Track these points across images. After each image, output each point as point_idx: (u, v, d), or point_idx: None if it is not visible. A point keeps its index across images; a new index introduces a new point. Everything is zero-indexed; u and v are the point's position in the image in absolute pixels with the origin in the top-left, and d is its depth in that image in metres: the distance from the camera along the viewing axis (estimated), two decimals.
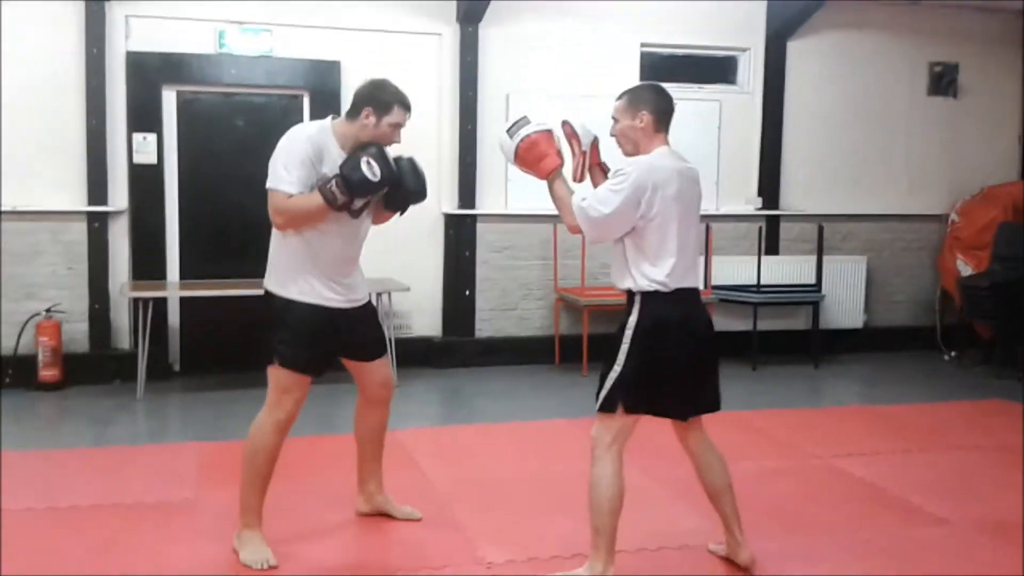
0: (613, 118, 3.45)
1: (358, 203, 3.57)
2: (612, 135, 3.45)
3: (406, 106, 3.61)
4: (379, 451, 4.06)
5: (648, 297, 3.29)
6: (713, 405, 3.51)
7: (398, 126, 3.59)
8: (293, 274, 3.58)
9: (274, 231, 3.63)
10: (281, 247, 3.62)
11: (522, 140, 3.40)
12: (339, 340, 3.70)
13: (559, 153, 3.45)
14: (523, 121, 3.44)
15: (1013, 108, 8.73)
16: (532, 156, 3.42)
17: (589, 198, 3.30)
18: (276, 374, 3.61)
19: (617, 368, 3.30)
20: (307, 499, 4.33)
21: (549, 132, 3.44)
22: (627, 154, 3.41)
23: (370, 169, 3.42)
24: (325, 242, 3.57)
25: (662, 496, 4.45)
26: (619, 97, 3.45)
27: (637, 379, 3.28)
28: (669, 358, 3.29)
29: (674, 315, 3.30)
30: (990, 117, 8.66)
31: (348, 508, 4.17)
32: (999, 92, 8.67)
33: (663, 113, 3.39)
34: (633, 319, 3.31)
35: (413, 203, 3.75)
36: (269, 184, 3.49)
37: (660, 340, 3.27)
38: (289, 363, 3.58)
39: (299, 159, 3.47)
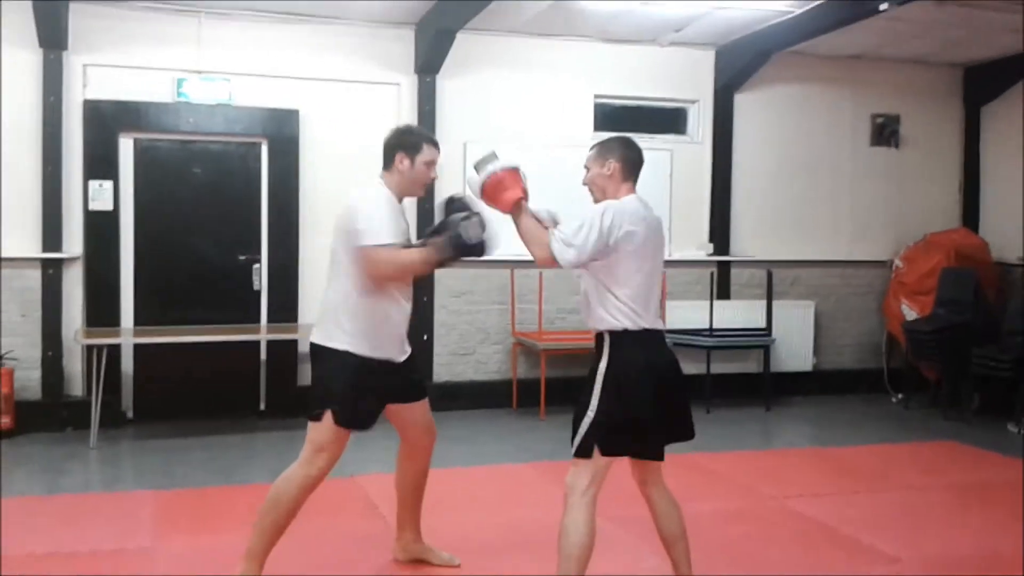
0: (585, 167, 3.60)
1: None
2: (584, 183, 3.60)
3: (434, 143, 3.82)
4: (419, 500, 4.11)
5: (617, 338, 3.37)
6: (687, 434, 3.57)
7: (432, 163, 3.76)
8: (362, 332, 3.63)
9: (340, 289, 3.67)
10: (348, 305, 3.65)
11: (488, 176, 3.52)
12: (389, 389, 3.77)
13: (524, 189, 3.56)
14: (491, 157, 3.56)
15: (953, 158, 9.04)
16: (496, 192, 3.54)
17: (560, 231, 3.40)
18: (317, 429, 3.62)
19: (591, 413, 3.34)
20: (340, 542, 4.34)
21: (515, 169, 3.56)
22: (596, 201, 3.55)
23: (473, 233, 3.59)
24: (398, 306, 3.70)
25: (622, 537, 4.49)
26: (591, 148, 3.62)
27: (611, 422, 3.33)
28: (640, 399, 3.34)
29: (642, 356, 3.37)
30: (931, 166, 8.96)
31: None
32: (940, 143, 8.98)
33: (630, 162, 3.53)
34: (604, 363, 3.37)
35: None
36: (368, 242, 3.55)
37: (630, 382, 3.34)
38: (346, 421, 3.61)
39: (390, 214, 3.61)
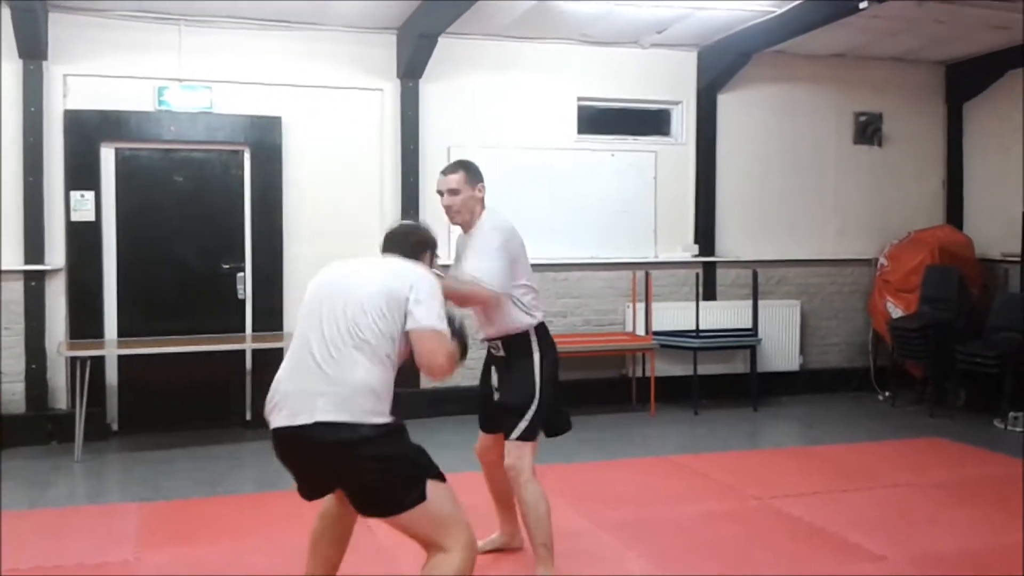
0: (451, 191, 3.77)
1: None
2: (454, 207, 3.78)
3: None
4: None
5: (539, 330, 3.85)
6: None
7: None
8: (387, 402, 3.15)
9: (375, 363, 3.05)
10: (382, 375, 3.08)
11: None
12: None
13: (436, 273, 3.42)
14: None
15: (936, 155, 9.07)
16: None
17: (480, 273, 3.68)
18: (437, 502, 3.21)
19: (536, 400, 3.77)
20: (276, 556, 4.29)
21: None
22: (463, 222, 3.82)
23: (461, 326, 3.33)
24: None
25: (607, 541, 4.48)
26: (450, 171, 3.81)
27: (548, 405, 3.81)
28: (557, 381, 3.89)
29: (553, 344, 3.91)
30: (914, 164, 8.98)
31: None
32: (922, 140, 9.01)
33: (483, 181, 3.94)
34: (538, 355, 3.82)
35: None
36: (440, 326, 3.09)
37: (555, 367, 3.89)
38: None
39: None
